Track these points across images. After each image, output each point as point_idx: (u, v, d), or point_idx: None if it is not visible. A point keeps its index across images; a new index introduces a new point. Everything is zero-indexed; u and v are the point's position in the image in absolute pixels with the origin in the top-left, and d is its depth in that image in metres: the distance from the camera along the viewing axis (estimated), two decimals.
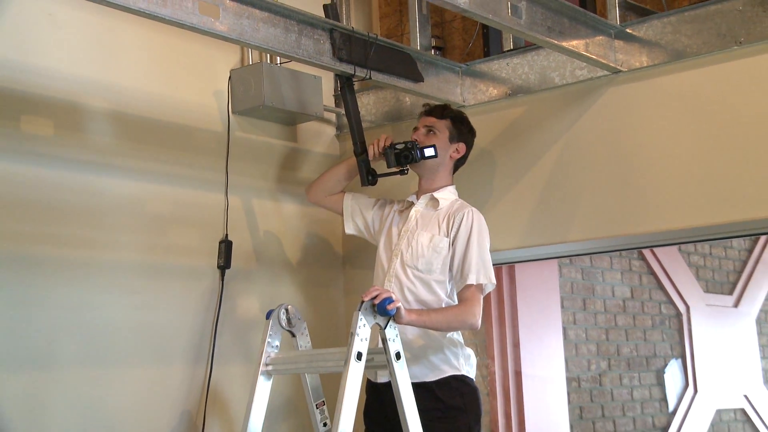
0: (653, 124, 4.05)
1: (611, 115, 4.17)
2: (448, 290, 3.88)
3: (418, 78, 4.36)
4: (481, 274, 3.82)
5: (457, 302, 3.86)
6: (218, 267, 4.32)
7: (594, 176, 4.18)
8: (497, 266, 4.04)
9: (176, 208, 4.23)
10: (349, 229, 4.29)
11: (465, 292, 3.83)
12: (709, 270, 7.52)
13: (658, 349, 6.82)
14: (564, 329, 5.75)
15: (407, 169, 4.06)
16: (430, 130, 4.05)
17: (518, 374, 4.94)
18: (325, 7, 4.18)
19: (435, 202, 4.01)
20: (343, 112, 4.39)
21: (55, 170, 3.81)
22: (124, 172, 4.05)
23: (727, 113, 3.88)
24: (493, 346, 4.79)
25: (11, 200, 3.67)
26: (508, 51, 4.55)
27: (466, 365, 3.90)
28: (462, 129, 4.09)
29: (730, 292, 7.70)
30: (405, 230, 3.99)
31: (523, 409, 4.92)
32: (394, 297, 3.51)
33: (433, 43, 4.98)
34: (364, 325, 3.45)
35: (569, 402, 5.68)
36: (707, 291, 7.39)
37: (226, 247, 4.33)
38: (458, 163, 4.13)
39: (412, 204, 4.07)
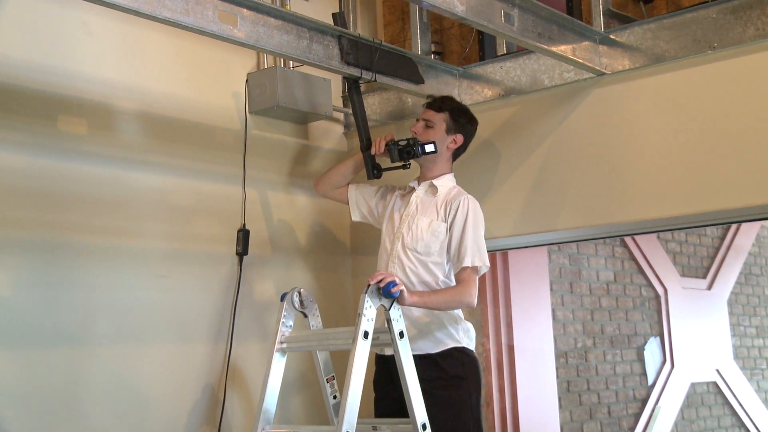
0: (634, 122, 4.06)
1: (596, 114, 4.17)
2: (446, 271, 3.89)
3: (419, 80, 4.38)
4: (476, 257, 3.83)
5: (454, 283, 3.87)
6: (237, 254, 4.33)
7: (580, 170, 4.19)
8: (492, 252, 4.06)
9: (198, 199, 4.24)
10: (356, 216, 4.29)
11: (461, 274, 3.84)
12: (684, 256, 7.52)
13: (639, 328, 6.82)
14: (553, 310, 5.75)
15: (409, 164, 4.06)
16: (427, 123, 4.05)
17: (511, 351, 4.94)
18: (333, 15, 4.19)
19: (434, 188, 4.01)
20: (351, 111, 4.38)
21: (88, 165, 3.83)
22: (151, 167, 4.06)
23: (702, 113, 3.88)
24: (488, 325, 4.80)
25: (50, 193, 3.68)
26: (501, 55, 4.55)
27: (466, 338, 3.92)
28: (460, 120, 4.07)
29: (704, 276, 7.71)
30: (406, 215, 4.00)
31: (515, 382, 4.92)
32: (397, 280, 3.53)
33: (433, 48, 4.97)
34: (370, 306, 3.48)
35: (557, 376, 5.69)
36: (683, 275, 7.40)
37: (243, 236, 4.34)
38: (457, 152, 4.12)
39: (413, 189, 4.08)
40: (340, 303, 4.83)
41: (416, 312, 3.84)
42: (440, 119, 4.04)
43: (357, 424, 3.39)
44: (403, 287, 3.55)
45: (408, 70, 4.33)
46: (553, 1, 4.60)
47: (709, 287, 7.74)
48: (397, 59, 4.27)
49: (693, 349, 7.29)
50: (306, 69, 4.48)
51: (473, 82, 4.57)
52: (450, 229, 3.87)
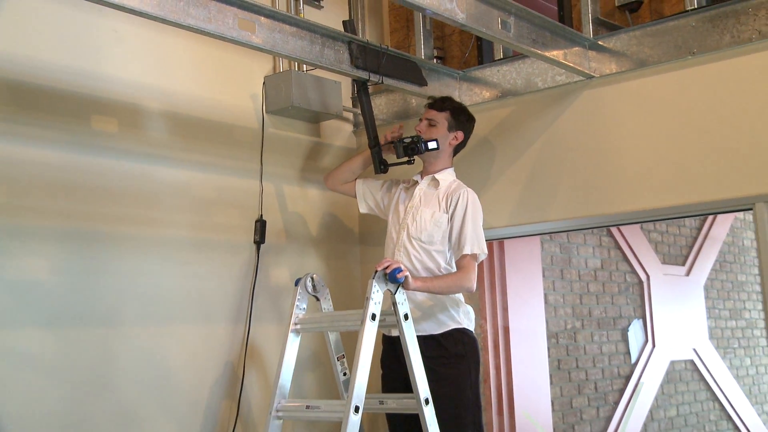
0: (621, 122, 4.05)
1: (585, 114, 4.16)
2: (447, 258, 3.89)
3: (422, 83, 4.38)
4: (475, 245, 3.84)
5: (455, 269, 3.87)
6: (254, 242, 4.33)
7: (571, 166, 4.18)
8: (490, 241, 4.06)
9: (219, 192, 4.24)
10: (363, 209, 4.30)
11: (461, 261, 3.85)
12: (665, 245, 7.52)
13: (623, 311, 6.82)
14: (545, 294, 5.76)
15: (413, 160, 4.08)
16: (430, 122, 4.06)
17: (507, 332, 4.94)
18: (344, 22, 4.19)
19: (436, 182, 4.02)
20: (359, 111, 4.40)
21: (119, 161, 3.83)
22: (176, 163, 4.06)
23: (683, 113, 3.88)
24: (485, 308, 4.80)
25: (84, 186, 3.69)
26: (498, 60, 4.54)
27: (467, 320, 3.92)
28: (460, 119, 4.08)
29: (683, 264, 7.72)
30: (410, 207, 4.01)
31: (510, 361, 4.92)
32: (402, 267, 3.54)
33: (435, 53, 4.96)
34: (378, 291, 3.49)
35: (549, 355, 5.70)
36: (664, 262, 7.40)
37: (261, 226, 4.34)
38: (458, 148, 4.13)
39: (416, 183, 4.08)
40: (349, 288, 4.83)
41: (420, 296, 3.85)
42: (442, 118, 4.05)
43: (365, 398, 3.40)
44: (407, 273, 3.56)
45: (412, 73, 4.33)
46: (546, 10, 4.60)
47: (688, 273, 7.75)
48: (402, 63, 4.27)
49: (672, 330, 7.31)
50: (318, 72, 4.48)
51: (472, 85, 4.57)
52: (451, 219, 3.88)
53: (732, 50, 3.75)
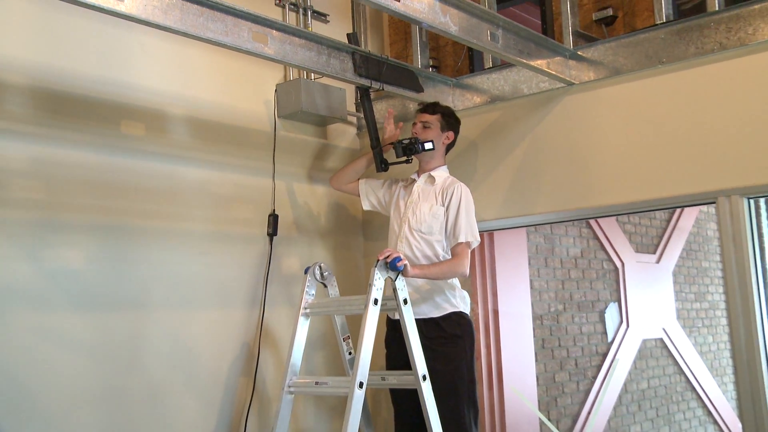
0: (598, 124, 4.06)
1: (566, 118, 4.17)
2: (444, 246, 3.91)
3: (419, 89, 4.38)
4: (469, 234, 3.86)
5: (451, 256, 3.89)
6: (268, 234, 4.33)
7: (553, 164, 4.19)
8: (481, 233, 4.06)
9: (236, 189, 4.24)
10: (366, 206, 4.31)
11: (456, 248, 3.87)
12: (638, 235, 7.52)
13: (601, 295, 6.82)
14: (530, 281, 5.74)
15: (411, 159, 4.08)
16: (425, 125, 4.07)
17: (496, 314, 4.92)
18: (348, 35, 4.23)
19: (432, 179, 4.03)
20: (362, 115, 4.41)
21: (146, 161, 3.83)
22: (197, 162, 4.07)
23: (654, 116, 3.89)
24: (477, 293, 4.79)
25: (114, 184, 3.70)
26: (488, 68, 4.53)
27: (462, 303, 3.93)
28: (450, 120, 4.11)
29: (654, 252, 7.72)
30: (410, 202, 4.02)
31: (500, 340, 4.91)
32: (402, 256, 3.56)
33: (431, 63, 4.97)
34: (379, 278, 3.51)
35: (534, 335, 5.70)
36: (637, 251, 7.40)
37: (273, 220, 4.34)
38: (449, 147, 4.15)
39: (414, 180, 4.10)
40: (353, 275, 4.83)
41: (420, 282, 3.86)
42: (435, 120, 4.07)
43: (368, 375, 3.41)
44: (406, 262, 3.58)
45: (410, 80, 4.34)
46: (531, 23, 4.62)
47: (658, 261, 7.76)
48: (401, 72, 4.28)
49: (644, 311, 7.31)
50: (325, 80, 4.49)
51: (464, 91, 4.57)
52: (446, 211, 3.90)
53: (697, 60, 3.77)
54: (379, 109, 4.83)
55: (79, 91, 3.61)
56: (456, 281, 3.94)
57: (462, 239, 3.85)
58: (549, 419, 5.72)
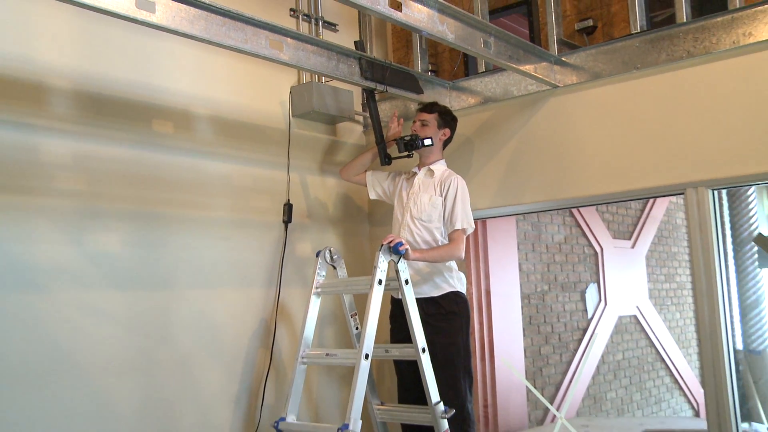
0: (580, 123, 4.07)
1: (552, 117, 4.17)
2: (443, 232, 3.91)
3: (419, 91, 4.38)
4: (464, 221, 3.87)
5: (448, 241, 3.89)
6: (283, 222, 4.33)
7: (540, 159, 4.19)
8: (476, 220, 4.08)
9: (254, 181, 4.25)
10: (372, 195, 4.31)
11: (453, 234, 3.88)
12: (615, 223, 7.51)
13: (582, 276, 6.82)
14: (519, 264, 5.75)
15: (412, 154, 4.09)
16: (423, 122, 4.08)
17: (488, 294, 4.93)
18: (355, 42, 4.23)
19: (431, 172, 4.04)
20: (368, 115, 4.39)
21: (174, 156, 3.85)
22: (219, 157, 4.07)
23: (629, 116, 3.90)
24: (471, 275, 4.81)
25: (147, 176, 3.71)
26: (481, 72, 4.54)
27: (459, 284, 3.94)
28: (446, 118, 4.11)
29: (629, 238, 7.70)
30: (412, 193, 4.02)
31: (491, 317, 4.92)
32: (404, 241, 3.58)
33: (430, 67, 4.97)
34: (383, 261, 3.53)
35: (522, 313, 5.71)
36: (614, 237, 7.39)
37: (288, 208, 4.34)
38: (446, 142, 4.15)
39: (415, 174, 4.10)
40: (360, 258, 4.83)
41: (421, 264, 3.87)
42: (432, 118, 4.08)
43: (373, 347, 3.45)
44: (408, 246, 3.60)
45: (411, 83, 4.33)
46: (520, 32, 4.63)
47: (633, 246, 7.75)
48: (403, 75, 4.27)
49: (620, 291, 7.30)
50: (334, 83, 4.48)
51: (460, 93, 4.57)
52: (444, 201, 3.90)
53: (667, 66, 3.78)
54: (383, 109, 4.83)
55: (116, 94, 3.63)
56: (453, 264, 3.95)
57: (458, 226, 3.86)
58: (535, 387, 5.73)
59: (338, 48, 3.85)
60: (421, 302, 3.67)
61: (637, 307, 7.64)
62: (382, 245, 3.54)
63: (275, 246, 4.30)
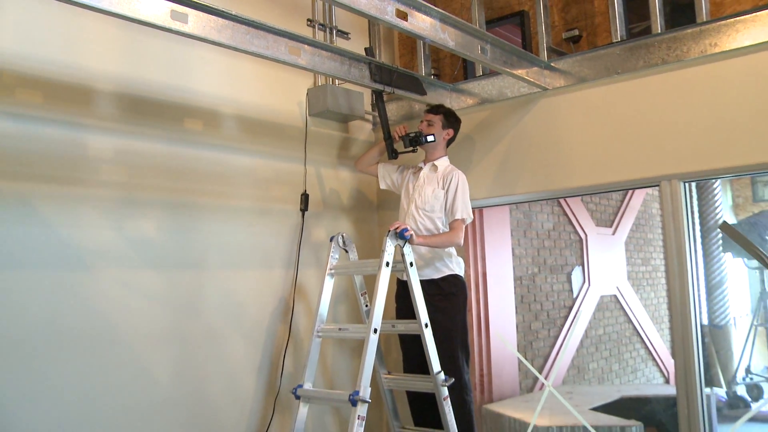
0: (567, 122, 4.07)
1: (542, 116, 4.18)
2: (444, 221, 3.93)
3: (423, 93, 4.39)
4: (464, 212, 3.88)
5: (449, 230, 3.91)
6: (300, 210, 4.33)
7: (531, 154, 4.20)
8: (473, 209, 4.09)
9: (276, 173, 4.25)
10: (382, 186, 4.32)
11: (453, 223, 3.89)
12: (598, 212, 7.49)
13: (568, 260, 6.82)
14: (512, 248, 5.76)
15: (416, 149, 4.11)
16: (429, 122, 4.10)
17: (485, 276, 4.93)
18: (365, 49, 4.21)
19: (435, 167, 4.05)
20: (377, 114, 4.43)
21: (203, 151, 3.86)
22: (243, 152, 4.08)
23: (611, 116, 3.91)
24: (469, 258, 4.83)
25: (179, 169, 3.73)
26: (479, 76, 4.55)
27: (458, 268, 3.96)
28: (450, 120, 4.12)
29: (610, 226, 7.69)
30: (417, 185, 4.04)
31: (487, 296, 4.92)
32: (409, 228, 3.59)
33: (432, 71, 4.97)
34: (390, 245, 3.54)
35: (515, 292, 5.71)
36: (597, 225, 7.37)
37: (305, 198, 4.34)
38: (450, 141, 4.16)
39: (420, 168, 4.12)
40: (369, 243, 4.83)
41: (423, 250, 3.89)
42: (437, 119, 4.09)
43: (381, 323, 3.46)
44: (412, 232, 3.61)
45: (416, 86, 4.35)
46: (513, 41, 4.64)
47: (614, 233, 7.73)
48: (408, 78, 4.29)
49: (602, 273, 7.29)
50: (346, 85, 4.49)
51: (460, 94, 4.58)
52: (446, 194, 3.91)
53: (644, 71, 3.79)
54: (391, 108, 4.83)
55: (153, 96, 3.65)
56: (452, 250, 3.96)
57: (458, 216, 3.87)
58: (526, 359, 5.75)
59: (350, 54, 3.85)
60: (423, 284, 3.67)
61: (617, 287, 7.64)
62: (390, 231, 3.55)
63: (293, 232, 4.32)
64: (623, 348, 7.65)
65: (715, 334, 7.40)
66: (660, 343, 8.22)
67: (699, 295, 3.69)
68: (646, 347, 8.05)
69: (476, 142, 4.44)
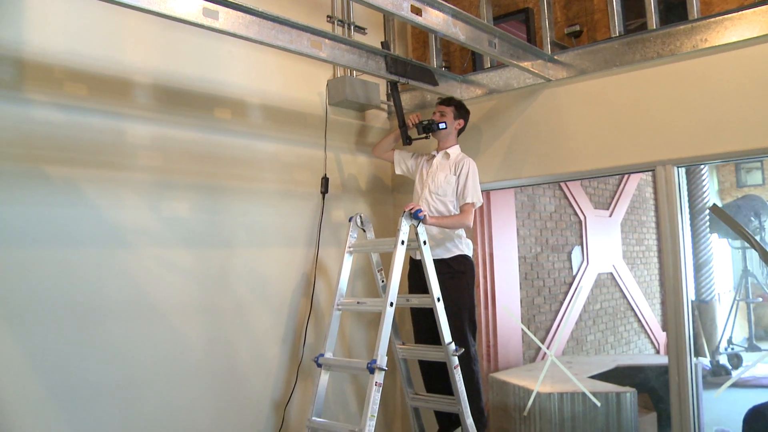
0: (569, 111, 4.07)
1: (545, 105, 4.17)
2: (455, 205, 3.94)
3: (435, 83, 4.38)
4: (474, 196, 3.89)
5: (459, 212, 3.92)
6: (321, 192, 4.33)
7: (536, 140, 4.19)
8: (482, 192, 4.10)
9: (298, 158, 4.25)
10: (398, 171, 4.32)
11: (464, 207, 3.90)
12: (596, 196, 7.46)
13: (569, 240, 6.80)
14: (517, 229, 5.77)
15: (429, 136, 4.11)
16: (442, 113, 4.11)
17: (491, 255, 4.95)
18: (381, 43, 4.24)
19: (447, 155, 4.06)
20: (392, 103, 4.41)
21: (231, 138, 3.86)
22: (268, 139, 4.08)
23: (610, 105, 3.90)
24: (477, 238, 4.83)
25: (210, 155, 3.74)
26: (487, 68, 4.54)
27: (467, 248, 3.97)
28: (461, 111, 4.13)
29: (607, 208, 7.66)
30: (431, 171, 4.05)
31: (494, 274, 4.92)
32: (423, 209, 3.60)
33: (443, 64, 4.95)
34: (405, 224, 3.55)
35: (519, 270, 5.71)
36: (595, 207, 7.34)
37: (325, 181, 4.34)
38: (461, 131, 4.16)
39: (434, 156, 4.13)
40: (385, 223, 4.83)
41: (435, 231, 3.90)
42: (449, 110, 4.10)
43: (397, 297, 3.46)
44: (426, 213, 3.62)
45: (428, 77, 4.34)
46: (518, 36, 4.63)
47: (610, 215, 7.71)
48: (421, 70, 4.28)
49: (599, 253, 7.29)
50: (364, 76, 4.49)
51: (469, 85, 4.57)
52: (458, 179, 3.92)
53: (641, 64, 3.78)
54: (404, 98, 4.82)
55: (186, 87, 3.66)
56: (462, 232, 3.97)
57: (468, 200, 3.88)
58: (529, 331, 5.80)
59: (367, 47, 3.84)
60: (434, 263, 3.68)
61: (613, 265, 7.63)
62: (404, 212, 3.55)
63: (314, 212, 4.32)
64: (618, 322, 7.65)
65: (701, 309, 7.43)
66: (651, 317, 8.23)
67: (688, 273, 3.71)
68: (639, 321, 8.05)
69: (484, 130, 4.44)
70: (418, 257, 3.90)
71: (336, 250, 4.40)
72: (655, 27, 3.76)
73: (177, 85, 3.63)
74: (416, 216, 3.57)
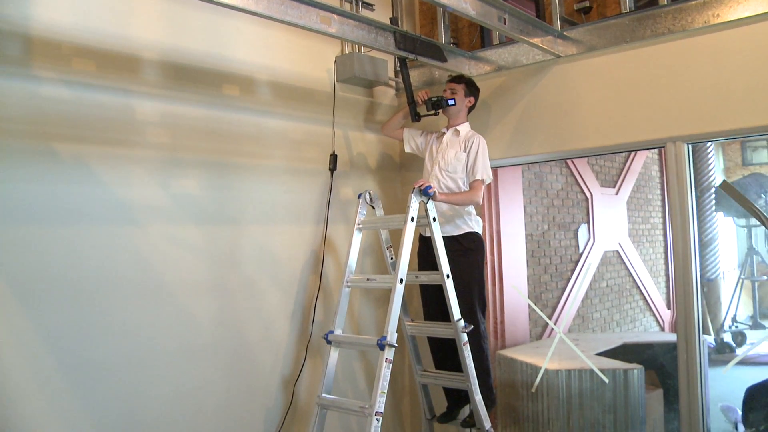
0: (578, 87, 4.03)
1: (555, 82, 4.14)
2: (464, 181, 3.93)
3: (444, 60, 4.33)
4: (483, 173, 3.88)
5: (469, 189, 3.91)
6: (329, 170, 4.33)
7: (544, 117, 4.16)
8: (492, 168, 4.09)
9: (306, 135, 4.24)
10: (407, 149, 4.31)
11: (473, 184, 3.89)
12: (603, 174, 7.47)
13: (576, 218, 6.80)
14: (524, 206, 5.77)
15: (438, 113, 4.09)
16: (452, 91, 4.08)
17: (499, 233, 4.96)
18: (390, 19, 4.20)
19: (457, 132, 4.04)
20: (401, 80, 4.38)
21: (239, 114, 3.85)
22: (277, 116, 4.07)
23: (619, 81, 3.86)
24: (485, 215, 4.81)
25: (218, 131, 3.73)
26: (495, 44, 4.51)
27: (476, 225, 3.97)
28: (471, 89, 4.11)
29: (614, 186, 7.66)
30: (440, 149, 4.03)
31: (501, 252, 4.94)
32: (432, 185, 3.60)
33: (452, 40, 4.93)
34: (415, 201, 3.55)
35: (526, 248, 5.73)
36: (602, 185, 7.36)
37: (333, 158, 4.33)
38: (471, 109, 4.14)
39: (444, 133, 4.11)
40: (395, 200, 4.83)
41: (445, 207, 3.88)
42: (460, 88, 4.07)
43: (406, 274, 3.45)
44: (436, 189, 3.61)
45: (437, 53, 4.30)
46: (528, 11, 4.58)
47: (617, 193, 7.71)
48: (430, 46, 4.23)
49: (606, 231, 7.30)
50: (372, 53, 4.45)
51: (477, 62, 4.54)
52: (467, 156, 3.91)
53: (652, 40, 3.74)
54: (413, 74, 4.78)
55: (193, 64, 3.64)
56: (471, 209, 3.96)
57: (478, 177, 3.86)
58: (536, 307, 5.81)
59: (377, 23, 3.81)
60: (444, 240, 3.67)
61: (619, 243, 7.64)
62: (414, 188, 3.54)
63: (323, 190, 4.32)
64: (624, 299, 7.66)
65: (706, 287, 7.42)
66: (657, 295, 8.24)
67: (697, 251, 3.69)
68: (645, 299, 8.06)
69: (493, 107, 4.41)
70: (427, 234, 3.89)
71: (345, 228, 4.39)
72: (666, 2, 3.71)
73: (185, 62, 3.60)
74: (426, 192, 3.57)
